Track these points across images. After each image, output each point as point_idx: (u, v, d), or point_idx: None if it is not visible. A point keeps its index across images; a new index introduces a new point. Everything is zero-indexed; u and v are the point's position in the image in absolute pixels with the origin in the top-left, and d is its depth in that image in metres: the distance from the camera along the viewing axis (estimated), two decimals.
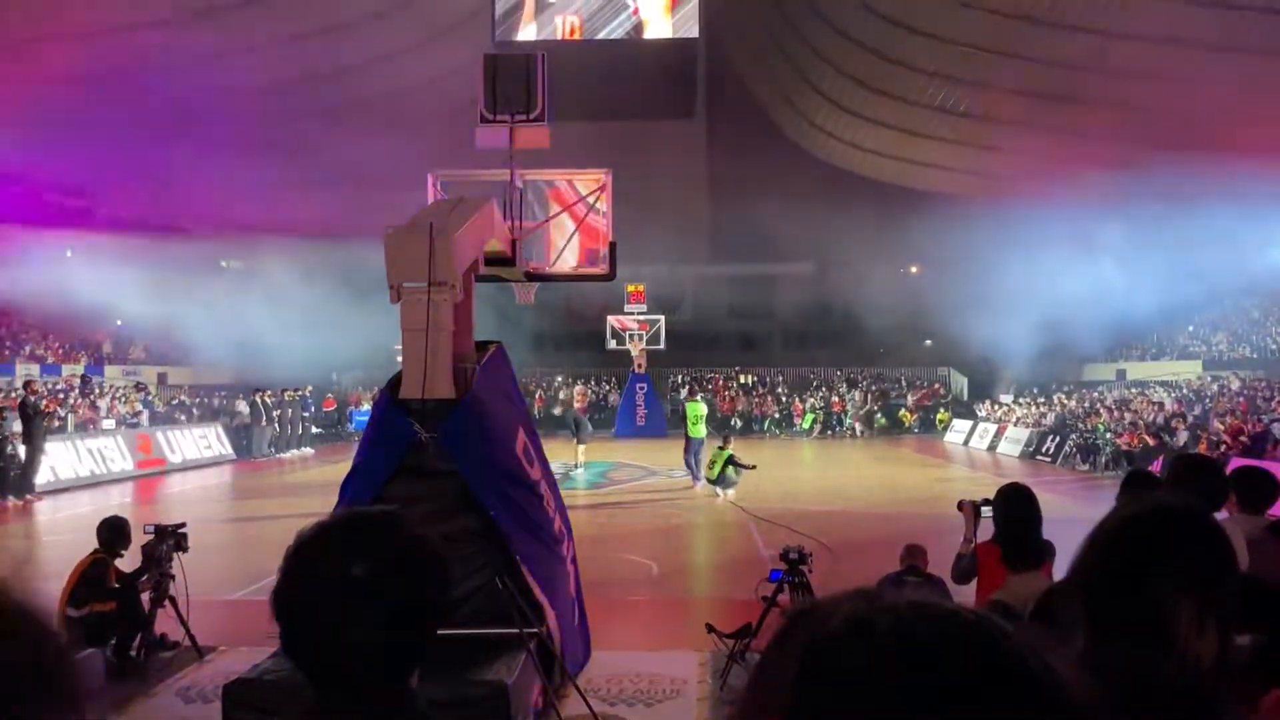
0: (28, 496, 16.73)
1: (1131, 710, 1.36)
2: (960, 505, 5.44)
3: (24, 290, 26.89)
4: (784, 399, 37.00)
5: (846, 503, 16.40)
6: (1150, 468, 13.72)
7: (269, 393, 26.28)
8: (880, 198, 35.89)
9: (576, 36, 31.78)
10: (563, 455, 19.43)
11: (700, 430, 18.16)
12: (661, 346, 33.45)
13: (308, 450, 27.34)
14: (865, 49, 30.79)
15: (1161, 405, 24.83)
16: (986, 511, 5.07)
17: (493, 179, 8.30)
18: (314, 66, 28.28)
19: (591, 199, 8.49)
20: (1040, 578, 4.19)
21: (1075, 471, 22.70)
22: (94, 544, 7.35)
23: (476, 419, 6.10)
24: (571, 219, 8.54)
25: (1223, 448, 18.67)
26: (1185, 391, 27.48)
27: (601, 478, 20.26)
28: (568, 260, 8.56)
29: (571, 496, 13.87)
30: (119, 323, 32.49)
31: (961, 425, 31.97)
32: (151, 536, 7.40)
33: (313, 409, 30.07)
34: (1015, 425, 28.70)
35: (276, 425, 26.38)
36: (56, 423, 20.29)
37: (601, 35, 32.06)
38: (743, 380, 39.34)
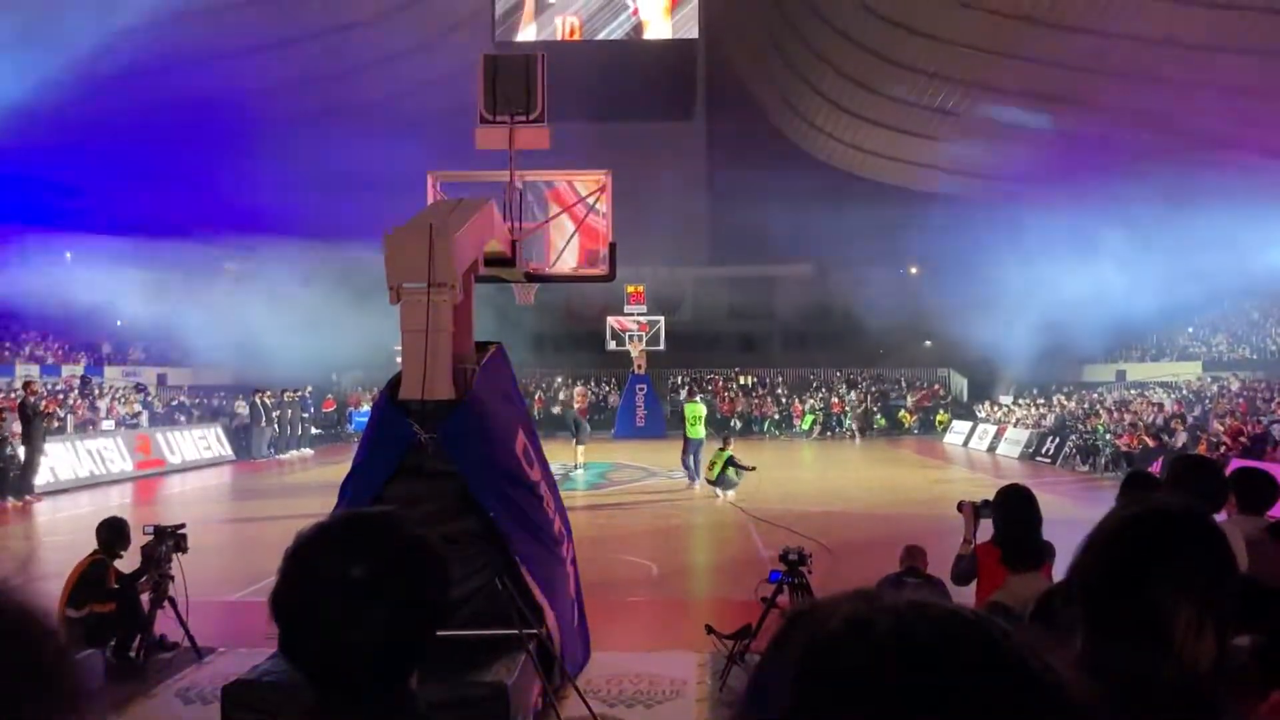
0: (27, 497, 16.72)
1: (1131, 711, 1.36)
2: (960, 506, 5.44)
3: (24, 291, 26.89)
4: (784, 400, 37.00)
5: (846, 504, 16.39)
6: (1150, 469, 13.73)
7: (268, 393, 26.27)
8: (880, 198, 35.89)
9: (576, 37, 31.77)
10: (562, 456, 19.43)
11: (699, 431, 18.15)
12: (661, 347, 33.46)
13: (307, 451, 27.33)
14: (865, 50, 30.81)
15: (1161, 406, 24.84)
16: (986, 513, 5.07)
17: (492, 180, 8.31)
18: (314, 67, 28.29)
19: (591, 200, 8.49)
20: (1040, 579, 4.19)
21: (1075, 473, 22.70)
22: (93, 545, 7.36)
23: (476, 420, 6.09)
24: (571, 220, 8.53)
25: (1222, 449, 18.66)
26: (1185, 393, 27.48)
27: (601, 479, 20.25)
28: (567, 261, 8.56)
29: (571, 497, 13.87)
30: (119, 324, 32.48)
31: (961, 426, 31.97)
32: (151, 537, 7.40)
33: (312, 410, 30.06)
34: (1015, 426, 28.70)
35: (276, 426, 26.38)
36: (56, 423, 20.28)
37: (601, 36, 32.05)
38: (742, 381, 39.35)
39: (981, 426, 30.55)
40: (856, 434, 33.54)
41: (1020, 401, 31.81)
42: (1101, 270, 30.13)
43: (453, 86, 27.13)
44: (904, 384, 39.15)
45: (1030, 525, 4.62)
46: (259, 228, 30.42)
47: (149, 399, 27.61)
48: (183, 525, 7.63)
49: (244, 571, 9.91)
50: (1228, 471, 4.77)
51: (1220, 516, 4.16)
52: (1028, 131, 28.68)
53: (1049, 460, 24.71)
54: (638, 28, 32.19)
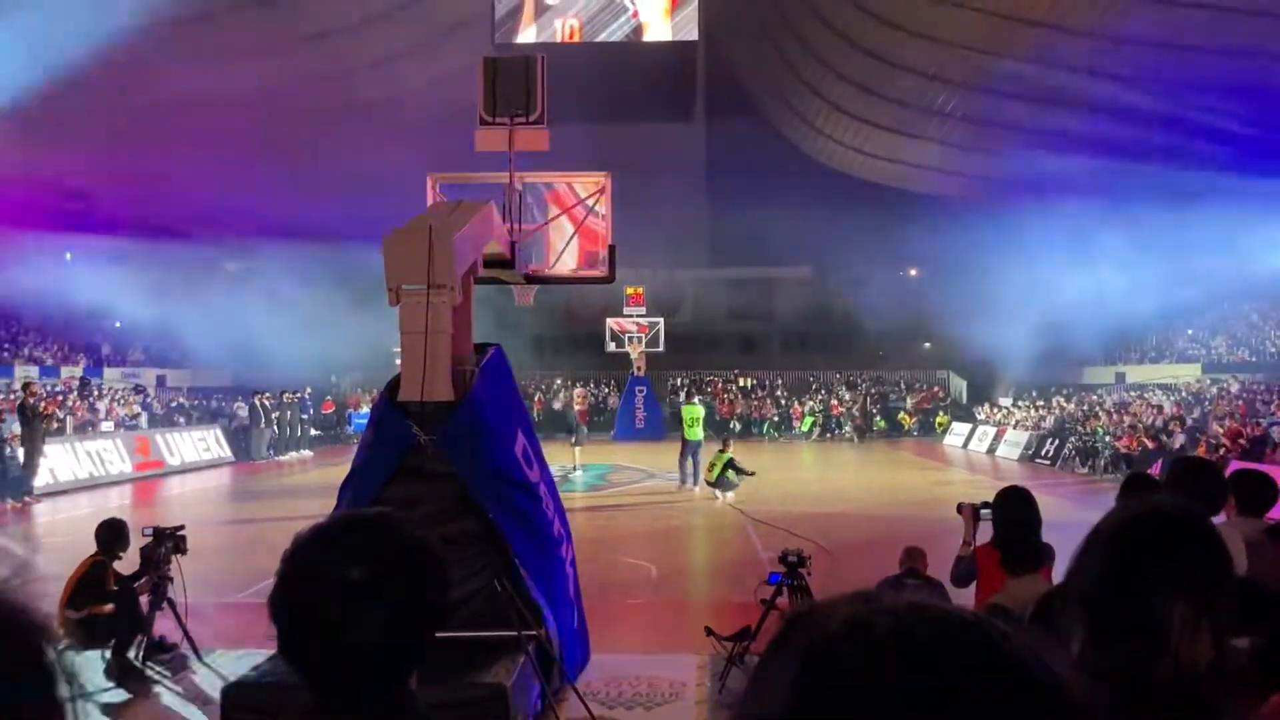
0: (26, 499, 16.72)
1: (1130, 711, 1.36)
2: (959, 508, 5.43)
3: (23, 292, 26.89)
4: (783, 402, 37.01)
5: (845, 505, 16.39)
6: (1150, 471, 13.73)
7: (268, 395, 26.27)
8: (879, 200, 35.91)
9: (576, 39, 31.74)
10: (560, 458, 19.42)
11: (697, 433, 18.11)
12: (661, 349, 33.46)
13: (306, 453, 27.33)
14: (865, 52, 30.80)
15: (1161, 408, 24.84)
16: (986, 514, 5.07)
17: (492, 181, 8.30)
18: (314, 69, 28.27)
19: (591, 201, 8.49)
20: (1040, 581, 4.19)
21: (1074, 474, 22.70)
22: (93, 546, 7.35)
23: (475, 421, 6.09)
24: (571, 221, 8.53)
25: (1222, 451, 18.66)
26: (1184, 394, 27.48)
27: (600, 480, 20.25)
28: (567, 263, 8.56)
29: (570, 499, 13.86)
30: (118, 325, 32.48)
31: (960, 428, 31.97)
32: (150, 539, 7.40)
33: (311, 411, 30.06)
34: (1014, 428, 28.71)
35: (275, 428, 26.38)
36: (55, 425, 20.27)
37: (601, 38, 32.01)
38: (742, 383, 39.36)
39: (981, 428, 30.56)
40: (854, 435, 33.53)
41: (1020, 403, 31.82)
42: (1101, 272, 30.15)
43: (452, 88, 27.13)
44: (903, 386, 39.17)
45: (1030, 527, 4.61)
46: (258, 229, 30.43)
47: (148, 400, 27.61)
48: (182, 527, 7.62)
49: (243, 573, 9.91)
50: (1227, 473, 4.77)
51: (1219, 518, 4.16)
52: (1027, 133, 28.68)
53: (1048, 462, 24.71)
54: (638, 30, 32.16)
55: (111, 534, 7.38)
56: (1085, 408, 28.14)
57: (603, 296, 30.14)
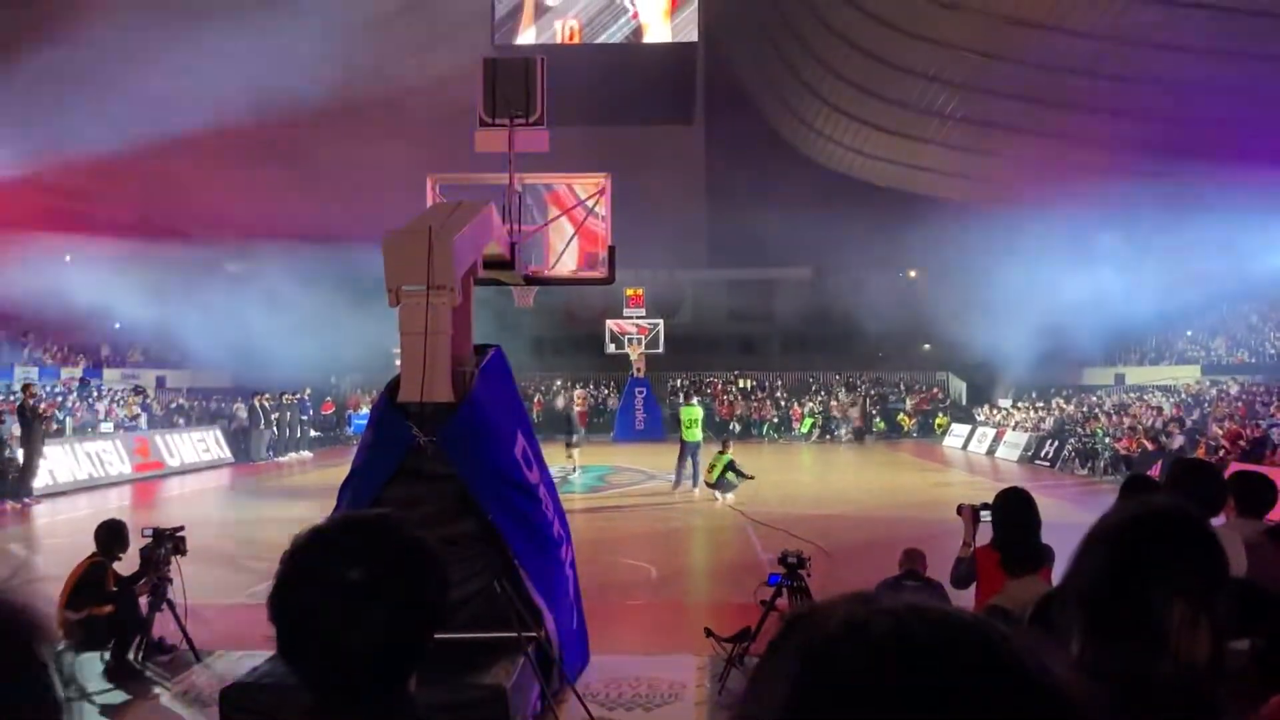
0: (26, 500, 16.71)
1: (1130, 711, 1.36)
2: (959, 510, 5.43)
3: (23, 293, 26.87)
4: (783, 403, 37.01)
5: (845, 507, 16.39)
6: (1149, 472, 13.73)
7: (267, 396, 26.27)
8: (879, 202, 35.90)
9: (576, 40, 31.73)
10: (556, 460, 19.39)
11: (695, 434, 18.04)
12: (660, 350, 33.46)
13: (306, 454, 27.33)
14: (864, 53, 30.82)
15: (1160, 410, 24.84)
16: (985, 516, 5.07)
17: (492, 182, 8.31)
18: (313, 70, 28.27)
19: (590, 203, 8.50)
20: (1039, 582, 4.19)
21: (1074, 476, 22.71)
22: (92, 547, 7.34)
23: (475, 423, 6.09)
24: (570, 223, 8.54)
25: (1221, 452, 18.66)
26: (1184, 396, 27.49)
27: (600, 481, 20.25)
28: (567, 264, 8.56)
29: (570, 500, 13.85)
30: (117, 326, 32.46)
31: (960, 429, 31.98)
32: (149, 540, 7.40)
33: (311, 412, 30.06)
34: (1014, 430, 28.70)
35: (275, 429, 26.38)
36: (55, 426, 20.28)
37: (601, 39, 31.99)
38: (741, 384, 39.36)
39: (980, 430, 30.56)
40: (849, 437, 33.50)
41: (1019, 405, 31.82)
42: (1100, 274, 30.17)
43: (452, 89, 27.13)
44: (903, 387, 39.17)
45: (1029, 529, 4.62)
46: (258, 230, 30.41)
47: (148, 401, 27.59)
48: (181, 528, 7.62)
49: (242, 574, 9.91)
50: (1226, 475, 4.77)
51: (1219, 520, 4.16)
52: (1026, 135, 28.70)
53: (1048, 464, 24.71)
54: (637, 31, 32.15)
55: (111, 535, 7.38)
56: (1085, 409, 28.14)
57: (602, 298, 30.15)
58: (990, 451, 28.31)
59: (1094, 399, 30.40)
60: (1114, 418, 25.22)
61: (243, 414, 27.07)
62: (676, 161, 41.97)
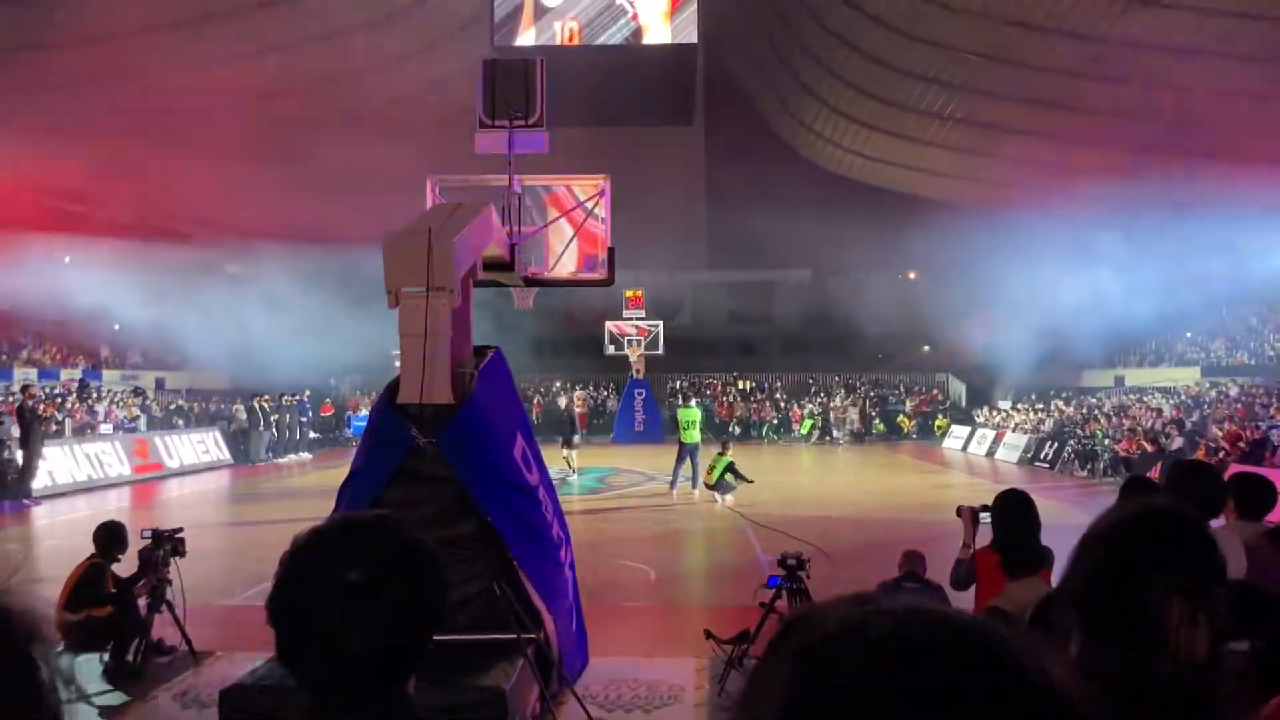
0: (25, 501, 16.70)
1: (1130, 712, 1.36)
2: (959, 511, 5.43)
3: (22, 295, 26.87)
4: (782, 405, 37.00)
5: (845, 508, 16.38)
6: (1149, 474, 13.72)
7: (267, 398, 26.27)
8: (878, 204, 35.92)
9: (575, 42, 31.74)
10: (555, 463, 19.36)
11: (693, 436, 17.99)
12: (660, 352, 33.45)
13: (305, 455, 27.33)
14: (863, 55, 30.84)
15: (1160, 412, 24.84)
16: (985, 518, 5.07)
17: (491, 184, 8.30)
18: (314, 72, 28.29)
19: (590, 204, 8.49)
20: (1039, 584, 4.19)
21: (1074, 478, 22.72)
22: (91, 549, 7.33)
23: (475, 424, 6.09)
24: (570, 224, 8.53)
25: (1221, 454, 18.66)
26: (1183, 398, 27.49)
27: (599, 483, 20.25)
28: (566, 265, 8.56)
29: (569, 502, 13.86)
30: (117, 327, 32.46)
31: (960, 431, 31.98)
32: (149, 541, 7.39)
33: (310, 414, 30.05)
34: (1013, 431, 28.71)
35: (274, 430, 26.37)
36: (54, 427, 20.27)
37: (600, 41, 32.00)
38: (741, 386, 39.35)
39: (980, 431, 30.56)
40: (844, 440, 33.48)
41: (1019, 407, 31.82)
42: (1100, 276, 30.19)
43: (452, 91, 27.15)
44: (903, 389, 39.17)
45: (1029, 530, 4.62)
46: (258, 231, 30.41)
47: (147, 403, 27.60)
48: (180, 529, 7.62)
49: (242, 576, 9.90)
50: (1226, 477, 4.76)
51: (1219, 522, 4.15)
52: (1026, 136, 28.72)
53: (1047, 465, 24.72)
54: (637, 33, 32.16)
55: (110, 536, 7.37)
56: (1084, 411, 28.14)
57: (602, 299, 30.13)
58: (990, 453, 28.31)
59: (1093, 401, 30.40)
60: (1113, 419, 25.23)
61: (242, 415, 27.06)
62: (676, 163, 42.01)
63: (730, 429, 32.64)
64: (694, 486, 17.63)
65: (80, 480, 19.13)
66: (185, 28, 24.54)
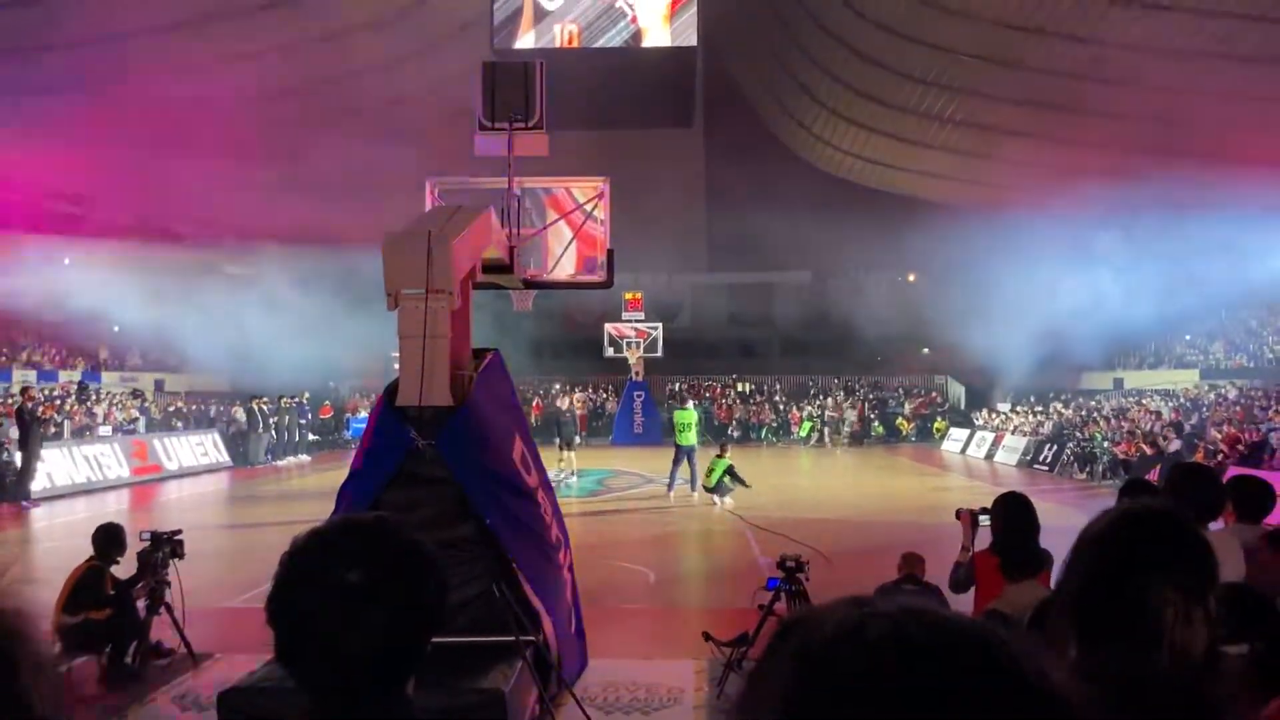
0: (23, 503, 16.69)
1: (1129, 713, 1.37)
2: (958, 514, 5.43)
3: (21, 297, 26.87)
4: (781, 407, 37.00)
5: (844, 511, 16.38)
6: (1148, 476, 13.72)
7: (266, 400, 26.25)
8: (878, 206, 35.94)
9: (575, 45, 31.77)
10: (553, 464, 19.35)
11: (690, 438, 17.96)
12: (659, 354, 33.45)
13: (304, 457, 27.31)
14: (863, 58, 30.87)
15: (1159, 414, 24.85)
16: (984, 520, 5.07)
17: (491, 186, 8.30)
18: (313, 74, 28.31)
19: (589, 206, 8.49)
20: (1038, 587, 4.19)
21: (1073, 480, 22.72)
22: (89, 551, 7.33)
23: (474, 426, 6.09)
24: (569, 226, 8.53)
25: (1220, 457, 18.66)
26: (1182, 400, 27.50)
27: (598, 485, 20.24)
28: (565, 267, 8.56)
29: (568, 504, 13.85)
30: (116, 329, 32.45)
31: (959, 434, 31.98)
32: (147, 543, 7.39)
33: (309, 416, 30.04)
34: (1012, 434, 28.70)
35: (273, 432, 26.36)
36: (53, 429, 20.26)
37: (600, 44, 32.04)
38: (740, 388, 39.35)
39: (979, 434, 30.56)
40: (846, 441, 33.47)
41: (1018, 409, 31.82)
42: (1099, 278, 30.18)
43: (452, 93, 27.16)
44: (902, 391, 39.17)
45: (1028, 533, 4.61)
46: (257, 233, 30.42)
47: (146, 405, 27.58)
48: (179, 531, 7.61)
49: (241, 578, 9.89)
50: (1225, 479, 4.76)
51: (1218, 525, 4.15)
52: (1025, 138, 28.74)
53: (1046, 468, 24.71)
54: (636, 35, 32.19)
55: (108, 538, 7.36)
56: (1083, 413, 28.14)
57: (601, 301, 30.16)
58: (989, 456, 28.31)
59: (1092, 403, 30.40)
60: (1112, 422, 25.23)
61: (241, 418, 27.05)
62: (676, 165, 42.04)
63: (729, 431, 32.62)
64: (693, 489, 17.62)
65: (79, 482, 19.11)
66: (186, 29, 24.55)
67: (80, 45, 23.29)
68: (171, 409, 28.78)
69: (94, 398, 26.11)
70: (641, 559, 11.80)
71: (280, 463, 25.94)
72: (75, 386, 26.64)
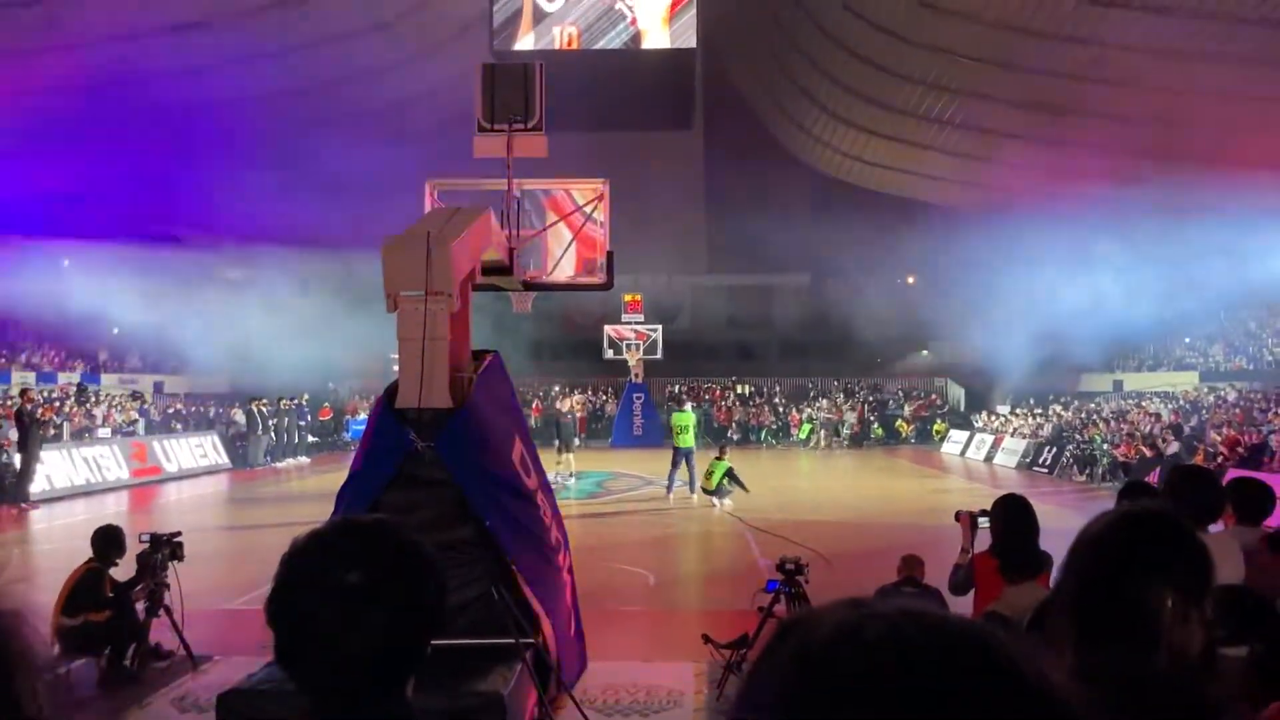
0: (23, 505, 16.68)
1: (1129, 713, 1.37)
2: (957, 516, 5.43)
3: (21, 298, 26.87)
4: (781, 409, 36.99)
5: (843, 513, 16.37)
6: (1148, 479, 13.71)
7: (265, 402, 26.24)
8: (877, 208, 35.97)
9: (574, 46, 31.78)
10: (551, 466, 19.32)
11: (688, 440, 17.95)
12: (659, 356, 33.44)
13: (304, 459, 27.29)
14: (862, 60, 30.89)
15: (1158, 416, 24.85)
16: (984, 522, 5.07)
17: (490, 188, 8.31)
18: (313, 75, 28.33)
19: (589, 208, 8.49)
20: (1038, 589, 4.18)
21: (1072, 482, 22.71)
22: (89, 553, 7.33)
23: (474, 428, 6.09)
24: (569, 228, 8.53)
25: (1219, 459, 18.65)
26: (1182, 403, 27.50)
27: (598, 487, 20.24)
28: (565, 269, 8.56)
29: (568, 506, 13.85)
30: (115, 331, 32.45)
31: (958, 436, 31.97)
32: (146, 545, 7.38)
33: (309, 418, 30.03)
34: (1012, 436, 28.69)
35: (272, 434, 26.34)
36: (52, 431, 20.24)
37: (599, 45, 32.05)
38: (740, 390, 39.34)
39: (979, 436, 30.55)
40: (845, 442, 33.45)
41: (1017, 411, 31.82)
42: (1098, 280, 30.19)
43: (451, 95, 27.18)
44: (901, 393, 39.16)
45: (1027, 535, 4.61)
46: (256, 235, 30.43)
47: (145, 407, 27.57)
48: (179, 533, 7.61)
49: (240, 580, 9.88)
50: (1225, 482, 4.77)
51: (1217, 527, 4.15)
52: (1024, 141, 28.75)
53: (1046, 470, 24.70)
54: (636, 37, 32.21)
55: (107, 540, 7.36)
56: (1083, 416, 28.14)
57: (601, 303, 30.16)
58: (988, 458, 28.30)
59: (1092, 405, 30.40)
60: (1112, 424, 25.23)
61: (240, 419, 27.03)
62: (675, 167, 42.06)
63: (729, 433, 32.61)
64: (692, 491, 17.60)
65: (78, 484, 19.10)
66: (186, 29, 24.57)
67: (80, 45, 23.29)
68: (171, 411, 28.77)
69: (93, 399, 26.10)
70: (641, 561, 11.80)
71: (279, 464, 25.93)
72: (74, 388, 26.63)
